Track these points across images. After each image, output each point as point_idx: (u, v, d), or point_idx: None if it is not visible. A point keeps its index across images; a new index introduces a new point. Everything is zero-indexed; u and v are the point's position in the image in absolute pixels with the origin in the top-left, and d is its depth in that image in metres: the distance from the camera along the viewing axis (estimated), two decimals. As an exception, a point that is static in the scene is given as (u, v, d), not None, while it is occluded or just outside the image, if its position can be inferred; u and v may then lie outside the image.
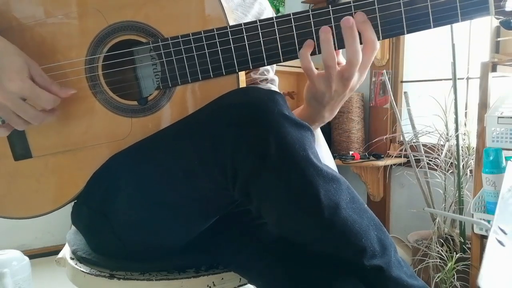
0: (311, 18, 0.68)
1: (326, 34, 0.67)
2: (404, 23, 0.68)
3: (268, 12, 1.00)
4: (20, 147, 0.76)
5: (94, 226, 0.79)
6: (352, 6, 0.67)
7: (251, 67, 0.71)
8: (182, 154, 0.67)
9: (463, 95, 2.10)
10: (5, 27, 0.71)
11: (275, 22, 0.69)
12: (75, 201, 0.80)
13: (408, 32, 0.68)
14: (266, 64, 0.71)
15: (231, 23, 0.71)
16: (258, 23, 0.69)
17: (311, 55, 0.69)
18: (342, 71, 0.68)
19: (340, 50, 0.71)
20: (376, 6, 0.67)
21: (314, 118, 0.78)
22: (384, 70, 2.40)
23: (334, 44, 0.68)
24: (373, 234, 0.62)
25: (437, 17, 0.67)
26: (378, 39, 0.69)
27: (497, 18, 0.67)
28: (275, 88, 1.00)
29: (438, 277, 1.77)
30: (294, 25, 0.69)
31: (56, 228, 2.51)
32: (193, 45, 0.70)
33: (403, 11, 0.67)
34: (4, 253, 1.90)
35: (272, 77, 1.02)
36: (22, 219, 0.79)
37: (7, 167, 0.77)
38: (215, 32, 0.69)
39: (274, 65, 1.04)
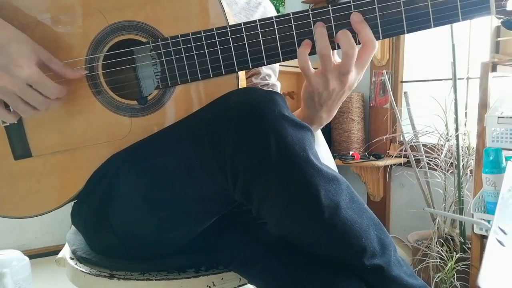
0: (311, 18, 0.69)
1: (320, 27, 0.68)
2: (405, 23, 0.68)
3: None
4: (20, 146, 0.76)
5: (94, 226, 0.79)
6: (352, 6, 0.68)
7: (250, 67, 0.72)
8: (182, 154, 0.67)
9: (463, 95, 2.10)
10: None
11: (274, 22, 0.69)
12: (75, 200, 0.81)
13: (409, 31, 0.68)
14: (265, 63, 0.71)
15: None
16: (258, 23, 0.69)
17: (309, 54, 0.69)
18: (339, 66, 0.69)
19: (335, 51, 0.71)
20: (376, 6, 0.67)
21: (312, 120, 0.78)
22: (384, 70, 2.40)
23: (332, 43, 0.68)
24: (373, 234, 0.63)
25: (438, 16, 0.67)
26: (378, 39, 0.69)
27: (498, 18, 0.67)
28: None
29: (438, 277, 1.77)
30: (294, 25, 0.69)
31: (56, 228, 2.51)
32: (192, 44, 0.70)
33: (403, 10, 0.67)
34: (4, 253, 1.90)
35: (273, 82, 1.02)
36: (22, 218, 0.79)
37: (7, 167, 0.77)
38: (215, 32, 0.70)
39: (277, 70, 1.05)
